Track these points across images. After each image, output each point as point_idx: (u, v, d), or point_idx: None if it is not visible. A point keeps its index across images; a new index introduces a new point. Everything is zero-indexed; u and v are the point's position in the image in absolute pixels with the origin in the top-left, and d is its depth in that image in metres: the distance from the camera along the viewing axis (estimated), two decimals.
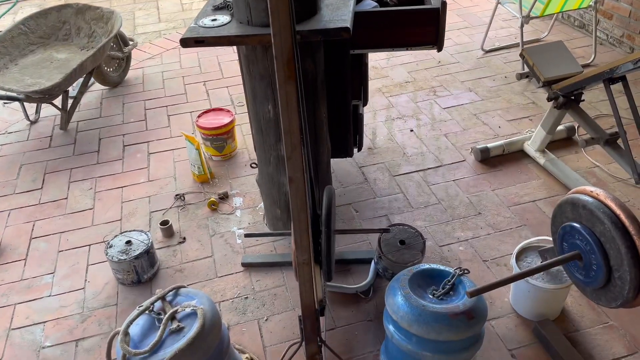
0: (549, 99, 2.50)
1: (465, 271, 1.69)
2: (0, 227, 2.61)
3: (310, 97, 2.07)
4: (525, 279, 1.87)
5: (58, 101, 3.24)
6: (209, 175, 2.80)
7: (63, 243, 2.50)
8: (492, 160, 2.83)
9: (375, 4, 2.42)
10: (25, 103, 3.30)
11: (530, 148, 2.78)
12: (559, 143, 2.90)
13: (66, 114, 3.24)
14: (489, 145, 2.82)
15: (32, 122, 3.39)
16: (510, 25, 4.29)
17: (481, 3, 4.73)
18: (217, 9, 1.99)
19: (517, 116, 3.19)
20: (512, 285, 2.04)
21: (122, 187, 2.82)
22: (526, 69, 2.84)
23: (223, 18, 1.91)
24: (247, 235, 1.92)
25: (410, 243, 2.12)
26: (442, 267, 1.73)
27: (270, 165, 2.19)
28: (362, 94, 2.45)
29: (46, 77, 3.13)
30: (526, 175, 2.72)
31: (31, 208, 2.72)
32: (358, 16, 2.12)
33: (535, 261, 1.96)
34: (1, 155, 3.13)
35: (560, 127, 2.86)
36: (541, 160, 2.71)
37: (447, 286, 1.66)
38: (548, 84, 2.44)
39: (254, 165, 2.45)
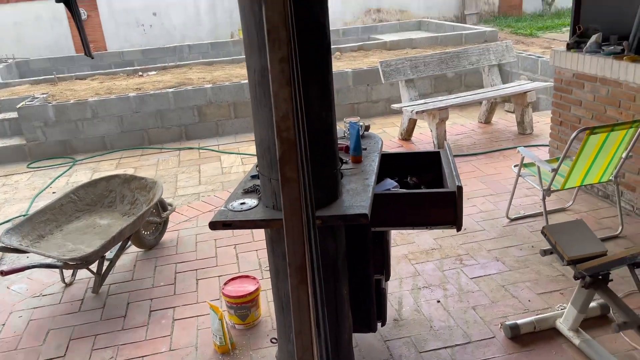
0: (575, 278, 2.46)
1: None
2: None
3: (331, 275, 2.11)
4: None
5: (94, 265, 3.39)
6: (230, 346, 2.75)
7: None
8: (523, 337, 2.70)
9: (396, 183, 2.57)
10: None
11: (563, 326, 2.66)
12: (593, 321, 2.77)
13: (100, 278, 3.35)
14: (518, 321, 2.72)
15: (67, 285, 3.50)
16: (534, 193, 4.38)
17: (504, 171, 4.90)
18: (247, 192, 2.15)
19: (547, 289, 3.11)
20: None
21: (142, 356, 2.78)
22: (549, 246, 2.84)
23: (251, 202, 2.05)
24: None
25: None
26: None
27: (290, 342, 2.15)
28: (384, 268, 2.48)
29: (87, 243, 3.31)
30: (561, 357, 2.56)
31: None
32: (379, 197, 2.25)
33: None
34: (32, 319, 3.19)
35: (593, 304, 2.75)
36: (576, 340, 2.57)
37: None
38: (572, 262, 2.42)
39: (274, 341, 2.42)
